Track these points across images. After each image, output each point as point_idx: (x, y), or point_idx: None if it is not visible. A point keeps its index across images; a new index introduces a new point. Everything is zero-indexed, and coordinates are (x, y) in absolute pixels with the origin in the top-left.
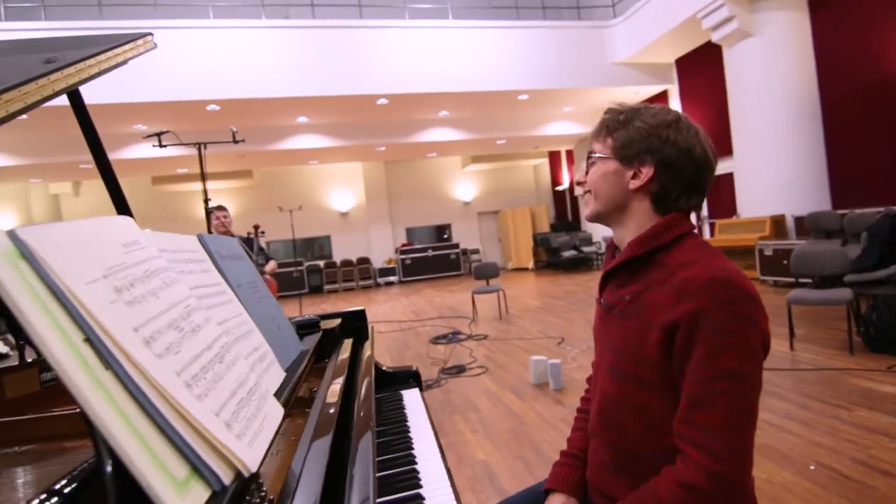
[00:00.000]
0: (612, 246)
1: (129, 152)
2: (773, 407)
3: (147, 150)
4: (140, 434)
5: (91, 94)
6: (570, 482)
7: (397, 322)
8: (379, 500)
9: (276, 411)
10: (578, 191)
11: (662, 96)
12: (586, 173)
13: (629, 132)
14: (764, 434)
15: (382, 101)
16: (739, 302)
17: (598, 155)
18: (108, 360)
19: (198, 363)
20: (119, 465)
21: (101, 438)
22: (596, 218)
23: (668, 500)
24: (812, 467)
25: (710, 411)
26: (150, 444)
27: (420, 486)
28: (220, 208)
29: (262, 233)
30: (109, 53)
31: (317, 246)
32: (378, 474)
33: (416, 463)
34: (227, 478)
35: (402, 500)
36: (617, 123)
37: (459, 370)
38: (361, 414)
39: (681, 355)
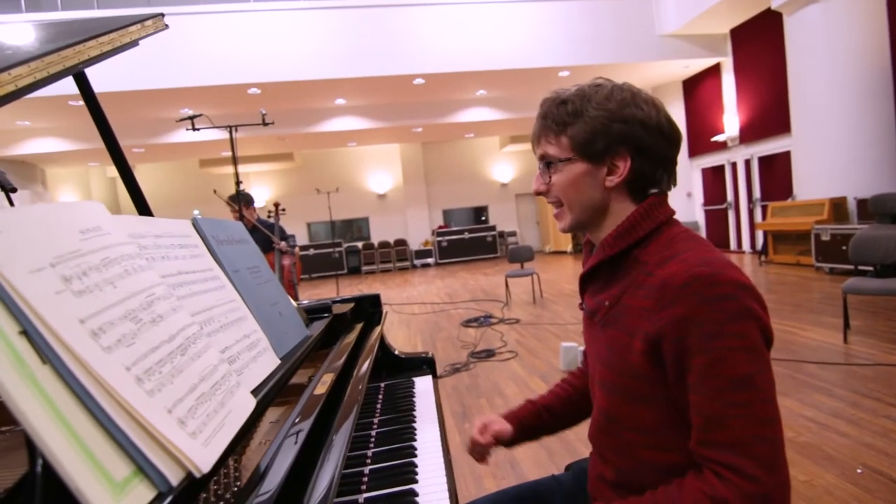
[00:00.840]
0: (588, 243)
1: (177, 136)
2: (820, 404)
3: (192, 134)
4: (74, 433)
5: (139, 79)
6: (514, 415)
7: (430, 304)
8: (370, 495)
9: (245, 405)
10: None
11: (715, 69)
12: (548, 181)
13: (587, 124)
14: (807, 432)
15: (419, 80)
16: (729, 297)
17: (558, 160)
18: (46, 353)
19: (154, 356)
20: (49, 468)
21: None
22: (574, 229)
23: None
24: (859, 471)
25: (729, 429)
26: (86, 444)
27: (416, 482)
28: (246, 200)
29: (283, 211)
30: (113, 35)
31: (355, 227)
32: (374, 466)
33: (415, 455)
34: (175, 477)
35: (395, 494)
36: (566, 116)
37: (489, 354)
38: (343, 403)
39: (675, 368)
